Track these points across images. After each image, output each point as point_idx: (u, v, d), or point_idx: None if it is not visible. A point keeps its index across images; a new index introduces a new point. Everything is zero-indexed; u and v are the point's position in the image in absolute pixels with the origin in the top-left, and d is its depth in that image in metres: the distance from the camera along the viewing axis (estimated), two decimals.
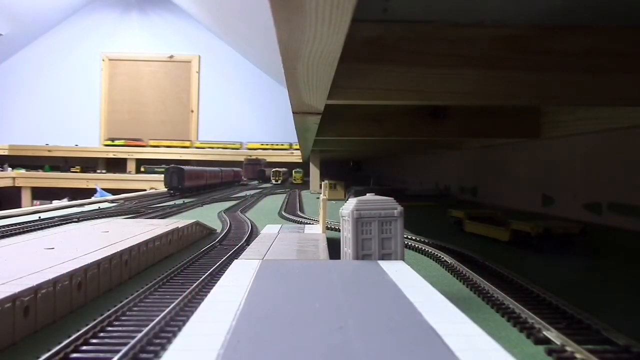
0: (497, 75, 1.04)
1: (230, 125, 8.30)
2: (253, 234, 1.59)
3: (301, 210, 2.62)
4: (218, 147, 7.90)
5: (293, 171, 6.33)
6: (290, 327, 0.44)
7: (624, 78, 1.04)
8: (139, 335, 0.61)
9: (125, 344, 0.59)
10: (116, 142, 7.98)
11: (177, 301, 0.76)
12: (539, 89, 1.06)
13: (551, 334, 0.66)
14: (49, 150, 7.66)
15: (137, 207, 2.67)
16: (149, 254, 1.14)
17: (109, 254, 0.93)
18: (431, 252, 1.27)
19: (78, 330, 0.63)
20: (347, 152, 4.60)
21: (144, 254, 1.10)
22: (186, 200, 3.19)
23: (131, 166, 7.79)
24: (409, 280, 0.62)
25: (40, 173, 7.32)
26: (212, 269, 1.01)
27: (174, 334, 0.64)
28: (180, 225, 1.40)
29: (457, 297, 0.87)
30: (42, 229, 1.73)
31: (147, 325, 0.65)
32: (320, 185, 2.87)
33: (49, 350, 0.57)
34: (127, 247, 1.02)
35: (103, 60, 8.47)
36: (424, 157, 4.52)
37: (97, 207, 2.63)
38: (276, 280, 0.65)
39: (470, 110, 2.09)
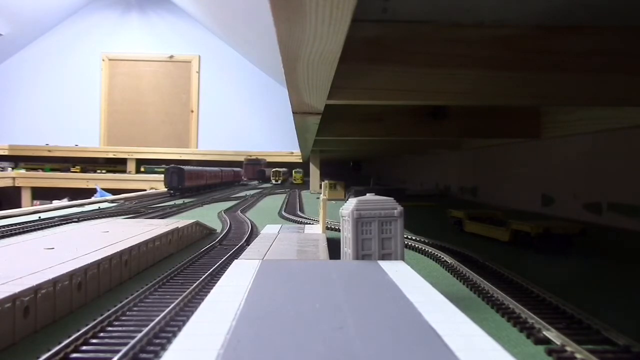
0: (497, 75, 1.04)
1: (230, 126, 8.30)
2: (253, 234, 1.59)
3: (301, 210, 2.62)
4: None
5: (293, 171, 6.33)
6: (290, 327, 0.44)
7: (624, 78, 1.03)
8: (139, 335, 0.61)
9: (125, 344, 0.59)
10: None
11: (177, 301, 0.76)
12: (539, 89, 1.06)
13: (551, 334, 0.66)
14: (49, 150, 7.65)
15: (137, 207, 2.67)
16: (149, 254, 1.14)
17: (109, 254, 0.93)
18: (431, 252, 1.27)
19: (78, 330, 0.63)
20: (347, 152, 4.59)
21: (144, 254, 1.10)
22: (186, 200, 3.19)
23: (131, 166, 7.79)
24: (409, 280, 0.62)
25: (40, 173, 7.31)
26: (212, 269, 1.01)
27: (174, 334, 0.64)
28: (180, 225, 1.40)
29: (457, 297, 0.87)
30: (42, 229, 1.73)
31: (147, 325, 0.65)
32: (320, 185, 2.87)
33: (49, 350, 0.57)
34: (127, 247, 1.02)
35: (103, 60, 8.46)
36: (424, 157, 4.52)
37: (97, 207, 2.63)
38: (276, 280, 0.65)
39: (470, 110, 2.09)
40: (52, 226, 1.80)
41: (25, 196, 7.14)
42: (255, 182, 6.26)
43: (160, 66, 8.53)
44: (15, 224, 1.74)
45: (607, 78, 1.04)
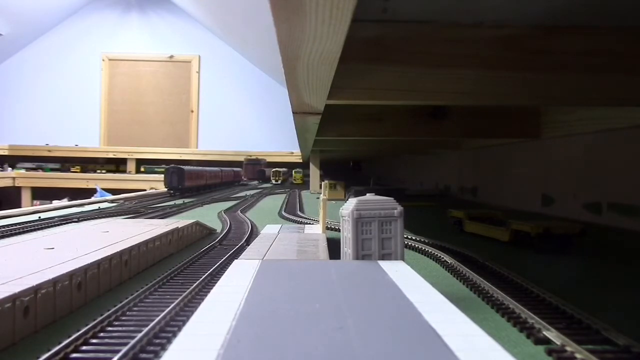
0: (497, 75, 1.04)
1: (230, 126, 8.30)
2: (253, 234, 1.59)
3: (301, 210, 2.62)
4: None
5: (293, 171, 6.33)
6: (290, 327, 0.44)
7: (624, 78, 1.04)
8: (139, 335, 0.61)
9: (125, 344, 0.59)
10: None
11: (177, 301, 0.76)
12: (538, 89, 1.06)
13: (551, 334, 0.66)
14: (49, 150, 7.65)
15: (137, 207, 2.67)
16: (149, 254, 1.14)
17: (109, 254, 0.93)
18: (431, 252, 1.27)
19: (78, 330, 0.63)
20: (347, 152, 4.60)
21: (144, 254, 1.10)
22: (186, 200, 3.19)
23: (131, 166, 7.79)
24: (409, 280, 0.62)
25: (40, 173, 7.31)
26: (212, 269, 1.01)
27: (174, 334, 0.64)
28: (180, 225, 1.40)
29: (457, 297, 0.87)
30: (42, 229, 1.73)
31: (147, 325, 0.65)
32: (320, 185, 2.87)
33: (48, 350, 0.57)
34: (127, 247, 1.02)
35: (103, 60, 8.46)
36: (424, 157, 4.52)
37: (97, 207, 2.63)
38: (276, 280, 0.65)
39: (470, 110, 2.09)
40: (52, 226, 1.80)
41: (25, 196, 7.14)
42: (255, 182, 6.26)
43: (160, 66, 8.52)
44: (15, 224, 1.73)
45: (607, 78, 1.04)
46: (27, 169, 7.33)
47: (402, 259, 0.76)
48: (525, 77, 1.04)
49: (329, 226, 1.61)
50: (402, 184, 5.00)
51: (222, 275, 0.69)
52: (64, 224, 1.87)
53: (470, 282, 0.95)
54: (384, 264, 0.72)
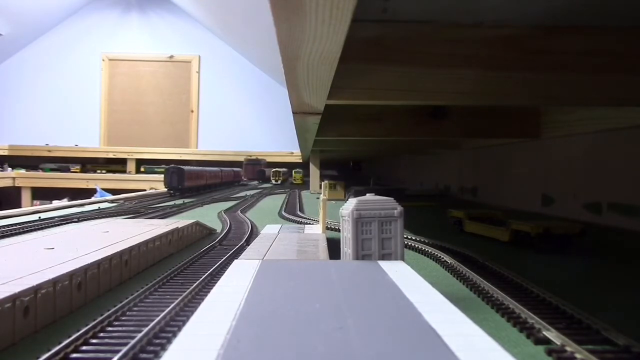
0: (497, 75, 1.04)
1: (230, 126, 8.31)
2: (253, 234, 1.59)
3: (301, 210, 2.62)
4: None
5: (293, 171, 6.33)
6: (290, 327, 0.44)
7: (624, 78, 1.04)
8: (139, 335, 0.61)
9: (125, 344, 0.59)
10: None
11: (177, 301, 0.76)
12: (538, 89, 1.06)
13: (551, 334, 0.66)
14: (49, 151, 7.65)
15: (137, 207, 2.67)
16: (149, 254, 1.14)
17: (109, 254, 0.93)
18: (431, 252, 1.27)
19: (78, 330, 0.63)
20: (347, 152, 4.60)
21: (144, 254, 1.10)
22: (186, 200, 3.19)
23: (131, 166, 7.79)
24: (409, 281, 0.62)
25: (40, 173, 7.31)
26: (212, 269, 1.01)
27: (174, 334, 0.64)
28: (180, 226, 1.40)
29: (457, 297, 0.87)
30: (42, 229, 1.73)
31: (147, 325, 0.65)
32: (320, 185, 2.87)
33: (49, 350, 0.57)
34: (127, 247, 1.02)
35: (103, 60, 8.46)
36: (424, 157, 4.52)
37: (97, 207, 2.63)
38: (276, 280, 0.65)
39: (470, 110, 2.09)
40: (52, 226, 1.80)
41: (25, 196, 7.13)
42: (255, 182, 6.26)
43: (160, 66, 8.52)
44: (15, 224, 1.73)
45: (607, 78, 1.04)
46: (52, 170, 7.34)
47: (402, 259, 0.76)
48: (525, 77, 1.05)
49: (329, 226, 1.61)
50: (402, 184, 5.00)
51: (222, 275, 0.69)
52: (64, 224, 1.87)
53: (470, 282, 0.95)
54: (384, 264, 0.72)
